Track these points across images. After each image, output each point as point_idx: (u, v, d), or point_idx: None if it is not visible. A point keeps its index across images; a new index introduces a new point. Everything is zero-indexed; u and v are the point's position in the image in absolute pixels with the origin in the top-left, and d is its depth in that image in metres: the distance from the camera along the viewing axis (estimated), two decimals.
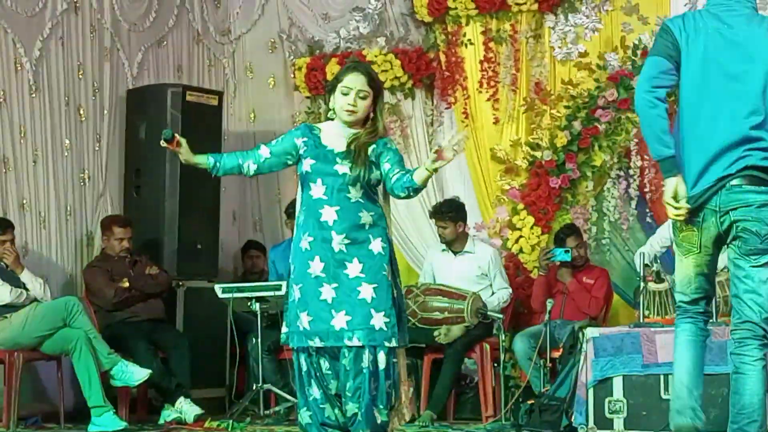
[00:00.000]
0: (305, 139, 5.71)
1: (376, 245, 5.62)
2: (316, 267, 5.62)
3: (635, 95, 5.06)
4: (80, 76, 9.27)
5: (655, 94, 4.95)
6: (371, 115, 5.70)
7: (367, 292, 5.55)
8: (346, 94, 5.65)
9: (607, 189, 9.01)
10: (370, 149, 5.62)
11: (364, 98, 5.65)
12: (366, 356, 5.54)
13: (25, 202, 8.81)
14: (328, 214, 5.61)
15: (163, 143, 5.64)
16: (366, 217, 5.62)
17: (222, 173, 5.79)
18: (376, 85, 5.70)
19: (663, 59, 4.98)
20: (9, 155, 8.72)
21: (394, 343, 5.59)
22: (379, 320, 5.55)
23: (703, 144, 4.93)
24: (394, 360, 5.66)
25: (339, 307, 5.56)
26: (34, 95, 8.92)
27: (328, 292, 5.59)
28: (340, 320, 5.55)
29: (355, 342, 5.53)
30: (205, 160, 5.73)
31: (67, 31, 9.18)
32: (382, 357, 5.57)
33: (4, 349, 7.89)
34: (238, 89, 10.52)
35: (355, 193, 5.61)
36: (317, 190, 5.64)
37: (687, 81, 5.00)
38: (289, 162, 5.75)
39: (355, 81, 5.65)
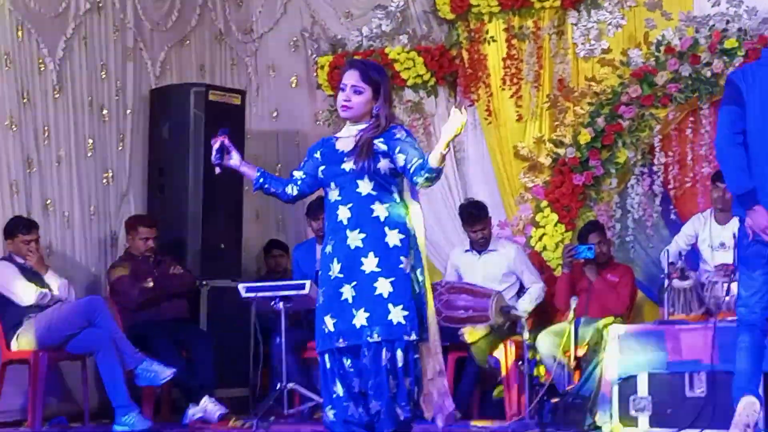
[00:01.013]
0: (321, 149, 5.76)
1: (393, 238, 5.62)
2: (336, 269, 5.63)
3: (716, 143, 5.95)
4: (103, 76, 9.30)
5: (735, 138, 5.83)
6: (374, 111, 5.69)
7: (384, 286, 5.55)
8: (342, 91, 5.67)
9: (631, 186, 8.96)
10: (377, 141, 5.61)
11: (359, 93, 5.64)
12: (384, 353, 5.53)
13: (48, 202, 8.84)
14: (343, 213, 5.63)
15: (222, 139, 5.76)
16: (380, 210, 5.62)
17: (264, 188, 5.83)
18: (372, 81, 5.67)
19: (733, 107, 5.87)
20: (33, 155, 8.75)
21: (413, 337, 5.57)
22: (397, 314, 5.54)
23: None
24: (416, 356, 5.63)
25: (359, 305, 5.57)
26: (57, 95, 8.94)
27: (348, 292, 5.60)
28: (360, 318, 5.56)
29: (375, 338, 5.53)
30: (254, 171, 5.85)
31: (90, 31, 9.21)
32: (399, 354, 5.55)
33: (29, 350, 7.92)
34: (260, 88, 10.53)
35: (365, 187, 5.61)
36: (333, 193, 5.68)
37: (750, 125, 5.84)
38: None
39: (349, 77, 5.67)
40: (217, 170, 5.87)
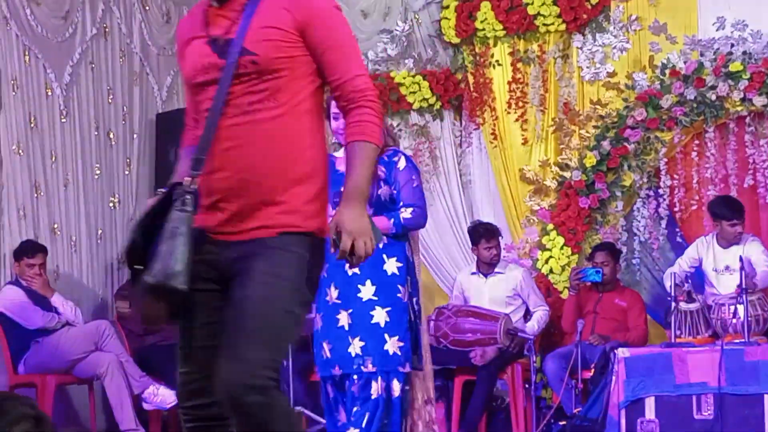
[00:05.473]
0: None
1: (391, 265, 5.60)
2: (333, 294, 5.61)
3: None
4: (110, 101, 9.32)
5: None
6: None
7: (380, 316, 5.54)
8: (336, 119, 5.62)
9: (636, 209, 8.97)
10: (380, 168, 5.61)
11: None
12: (379, 383, 5.51)
13: (56, 226, 8.85)
14: None
15: None
16: None
17: None
18: None
19: None
20: (40, 180, 8.76)
21: (408, 368, 5.56)
22: (393, 345, 5.52)
23: None
24: (407, 387, 5.61)
25: (355, 333, 5.55)
26: (64, 120, 8.97)
27: (345, 319, 5.58)
28: (355, 347, 5.54)
29: (369, 368, 5.50)
30: None
31: (97, 56, 9.24)
32: (396, 385, 5.53)
33: (36, 373, 7.92)
34: None
35: None
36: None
37: None
38: None
39: None
40: None
